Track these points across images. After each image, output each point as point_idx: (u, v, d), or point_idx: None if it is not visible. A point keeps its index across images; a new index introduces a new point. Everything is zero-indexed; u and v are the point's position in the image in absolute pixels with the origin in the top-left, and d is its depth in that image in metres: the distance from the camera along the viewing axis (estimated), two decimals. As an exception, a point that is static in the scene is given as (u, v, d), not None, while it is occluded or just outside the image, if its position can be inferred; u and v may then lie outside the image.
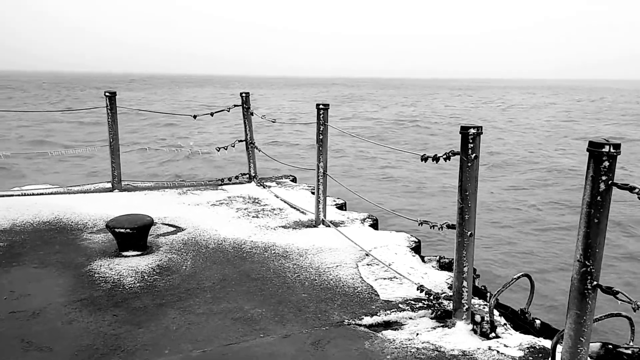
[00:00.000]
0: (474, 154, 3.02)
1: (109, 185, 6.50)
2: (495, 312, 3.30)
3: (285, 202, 6.18)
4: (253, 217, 5.53)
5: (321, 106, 5.02)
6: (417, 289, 3.57)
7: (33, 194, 6.10)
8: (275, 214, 5.66)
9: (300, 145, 23.32)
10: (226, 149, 7.18)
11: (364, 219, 5.52)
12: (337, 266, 4.10)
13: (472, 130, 2.99)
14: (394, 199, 13.67)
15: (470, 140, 2.99)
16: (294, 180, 7.72)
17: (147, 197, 6.22)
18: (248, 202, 6.16)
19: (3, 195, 5.98)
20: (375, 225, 5.46)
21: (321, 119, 5.01)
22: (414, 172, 17.03)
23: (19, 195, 6.06)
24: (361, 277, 3.90)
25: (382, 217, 6.04)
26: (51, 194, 6.19)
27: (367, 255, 4.37)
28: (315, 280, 3.81)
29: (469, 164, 3.03)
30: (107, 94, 6.21)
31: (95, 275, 3.80)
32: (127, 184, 6.68)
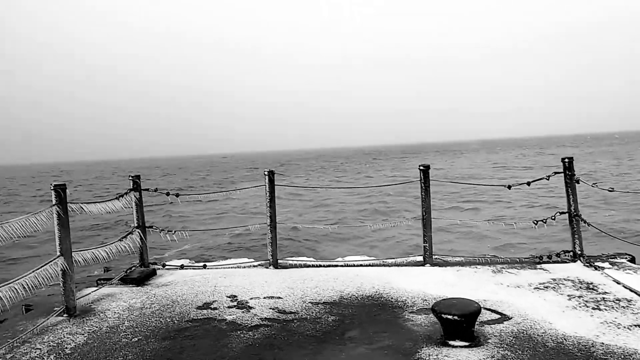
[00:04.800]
0: None
1: (420, 258, 6.44)
2: None
3: (632, 290, 4.93)
4: (593, 308, 4.52)
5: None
6: None
7: (354, 265, 6.50)
8: (624, 307, 4.51)
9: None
10: (545, 222, 6.33)
11: None
12: None
13: None
14: None
15: None
16: (632, 260, 6.24)
17: (459, 274, 5.87)
18: (580, 287, 5.15)
19: (330, 266, 6.55)
20: None
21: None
22: None
23: (342, 266, 6.54)
24: None
25: None
26: (368, 265, 6.48)
27: None
28: None
29: None
30: (421, 167, 6.27)
31: (426, 366, 3.54)
32: (437, 258, 6.51)
